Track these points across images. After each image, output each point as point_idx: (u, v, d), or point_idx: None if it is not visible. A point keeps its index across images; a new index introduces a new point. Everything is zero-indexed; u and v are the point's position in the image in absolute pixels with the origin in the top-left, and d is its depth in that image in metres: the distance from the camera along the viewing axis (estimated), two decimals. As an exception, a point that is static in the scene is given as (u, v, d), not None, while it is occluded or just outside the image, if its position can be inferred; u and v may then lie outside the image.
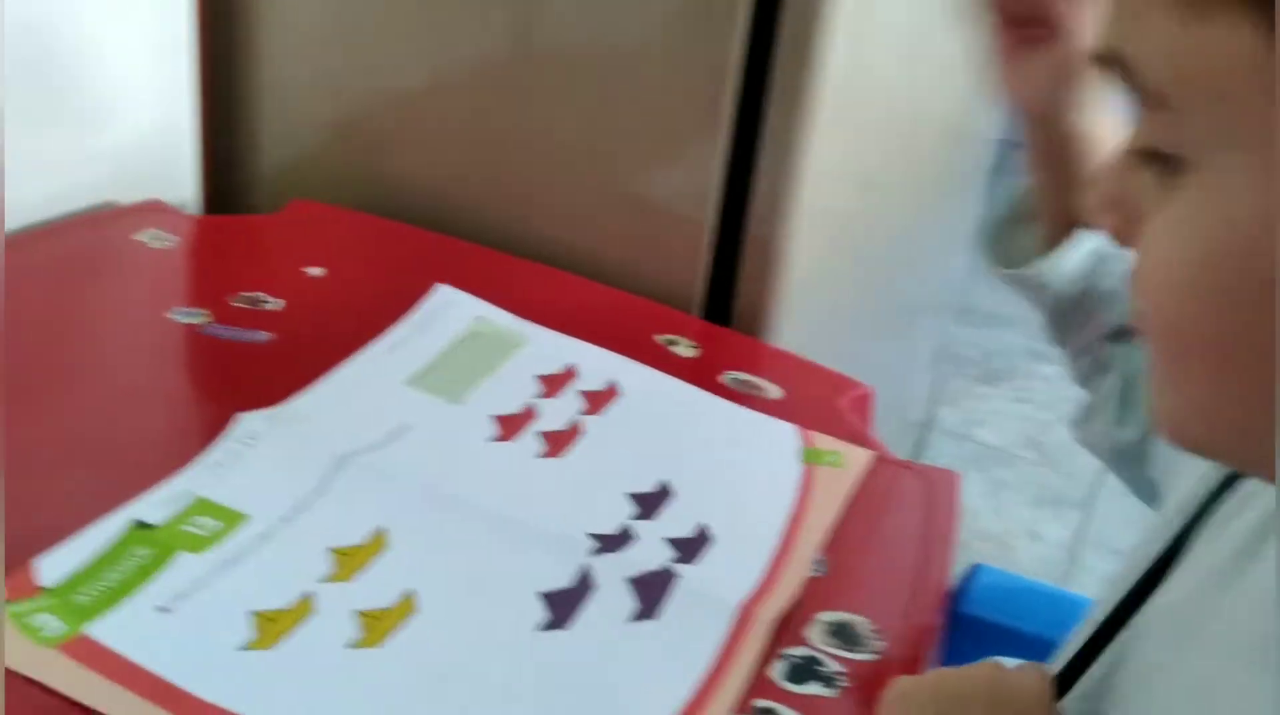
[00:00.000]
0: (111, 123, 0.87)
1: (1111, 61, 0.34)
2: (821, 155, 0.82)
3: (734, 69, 0.81)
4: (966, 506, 1.62)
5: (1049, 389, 1.92)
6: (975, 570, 0.74)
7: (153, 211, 0.86)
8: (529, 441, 0.68)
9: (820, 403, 0.77)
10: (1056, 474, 1.74)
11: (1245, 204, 0.31)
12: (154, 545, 0.55)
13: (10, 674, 0.47)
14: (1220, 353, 0.33)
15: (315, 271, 0.81)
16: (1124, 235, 0.36)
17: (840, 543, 0.64)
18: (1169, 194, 0.33)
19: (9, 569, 0.52)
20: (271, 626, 0.52)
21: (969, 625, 0.71)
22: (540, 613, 0.55)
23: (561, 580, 0.57)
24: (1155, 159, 0.34)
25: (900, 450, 1.48)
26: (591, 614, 0.56)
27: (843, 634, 0.57)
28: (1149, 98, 0.33)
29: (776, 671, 0.54)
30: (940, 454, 1.69)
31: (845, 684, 0.54)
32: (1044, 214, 0.63)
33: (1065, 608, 0.73)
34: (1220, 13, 0.30)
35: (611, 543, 0.60)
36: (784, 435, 0.72)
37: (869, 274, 1.08)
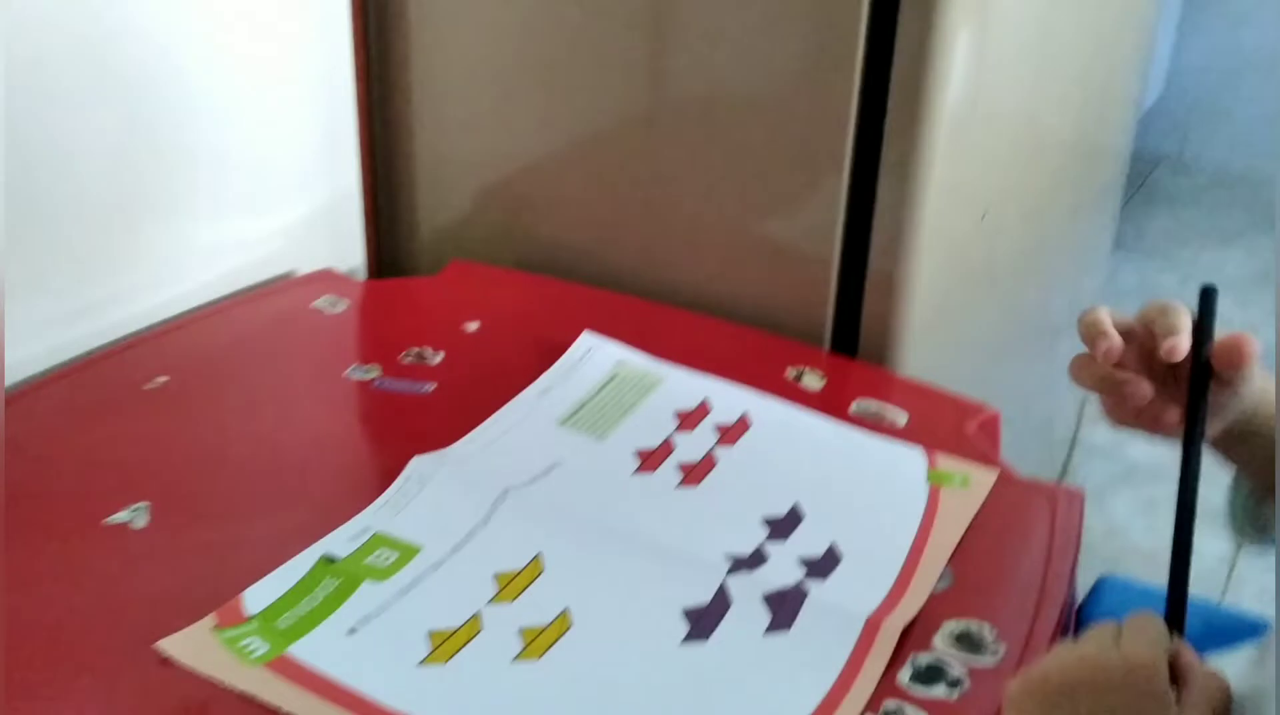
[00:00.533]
0: (288, 203, 0.97)
1: None
2: (939, 188, 0.87)
3: (851, 112, 0.86)
4: (1118, 524, 1.61)
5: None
6: (1100, 582, 0.77)
7: (326, 280, 0.95)
8: (669, 473, 0.74)
9: (946, 427, 0.81)
10: (1209, 489, 1.71)
11: None
12: (341, 576, 0.63)
13: (224, 689, 0.55)
14: None
15: (472, 326, 0.89)
16: None
17: (966, 557, 0.68)
18: None
19: (223, 601, 0.60)
20: (446, 644, 0.59)
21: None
22: (682, 627, 0.61)
23: (701, 598, 0.63)
24: None
25: (1048, 469, 1.50)
26: (729, 628, 0.61)
27: (967, 640, 0.61)
28: None
29: (904, 675, 0.59)
30: (1091, 472, 1.68)
31: (968, 686, 0.58)
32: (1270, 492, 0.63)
33: (1196, 612, 0.76)
34: None
35: (747, 563, 0.66)
36: (910, 459, 0.77)
37: (997, 298, 1.11)
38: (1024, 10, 0.97)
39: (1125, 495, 1.67)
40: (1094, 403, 1.80)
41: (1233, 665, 0.52)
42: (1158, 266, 2.43)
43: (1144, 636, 0.48)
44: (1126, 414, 0.60)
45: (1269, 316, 2.22)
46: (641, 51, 0.93)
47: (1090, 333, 0.58)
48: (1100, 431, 1.83)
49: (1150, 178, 2.86)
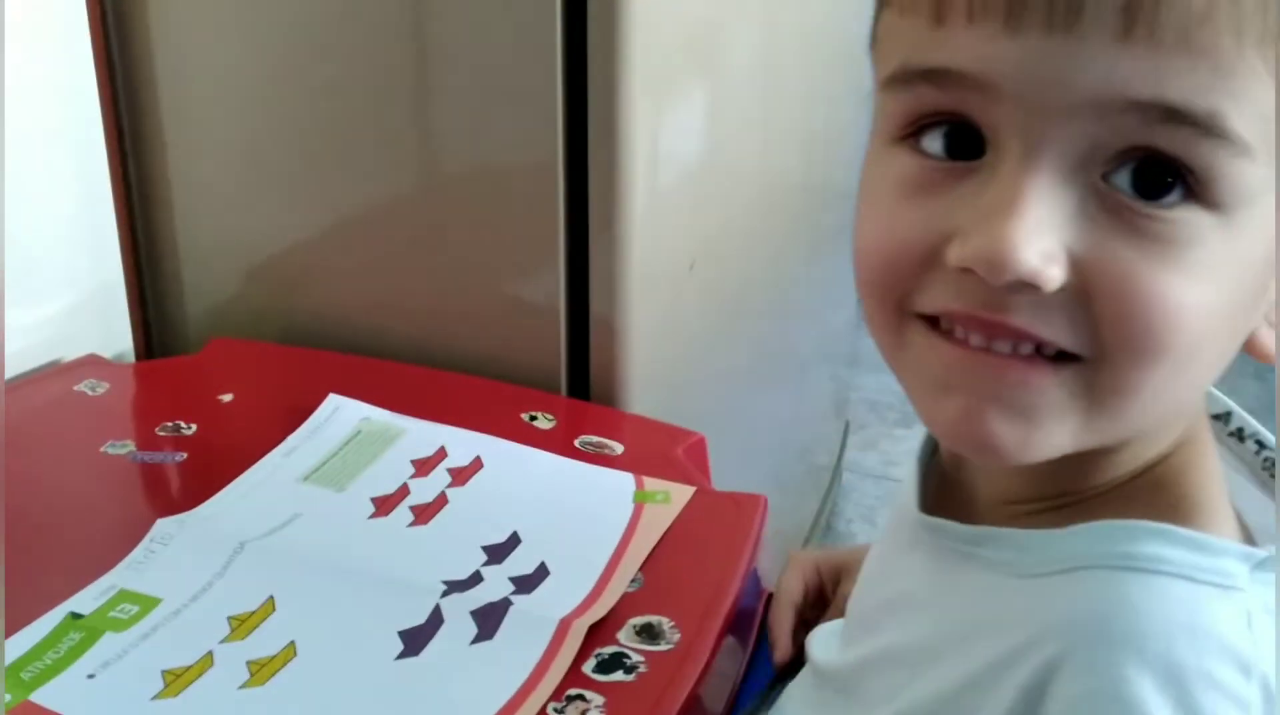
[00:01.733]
0: (52, 295, 1.02)
1: (1179, 114, 0.38)
2: (643, 252, 0.97)
3: (559, 186, 0.96)
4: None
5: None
6: (792, 575, 0.87)
7: (90, 365, 1.01)
8: (402, 515, 0.82)
9: (657, 453, 0.90)
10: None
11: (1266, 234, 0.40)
12: (85, 630, 0.69)
13: (-29, 738, 0.61)
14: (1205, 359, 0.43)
15: (226, 397, 0.96)
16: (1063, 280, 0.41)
17: (657, 562, 0.77)
18: (1158, 224, 0.39)
19: (-31, 661, 0.66)
20: (177, 680, 0.66)
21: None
22: (397, 645, 0.69)
23: (416, 619, 0.71)
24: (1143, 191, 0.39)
25: (814, 493, 1.61)
26: (439, 643, 0.69)
27: (647, 632, 0.71)
28: (1234, 146, 0.38)
29: (588, 667, 0.68)
30: (863, 494, 1.81)
31: (644, 670, 0.68)
32: None
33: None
34: (1243, 69, 0.37)
35: (461, 586, 0.74)
36: (621, 482, 0.86)
37: (731, 334, 1.22)
38: (735, 69, 1.09)
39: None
40: (856, 431, 1.93)
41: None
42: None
43: None
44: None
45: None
46: (383, 144, 1.02)
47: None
48: (872, 456, 1.97)
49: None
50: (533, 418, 0.95)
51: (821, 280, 1.51)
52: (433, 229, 1.03)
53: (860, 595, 0.62)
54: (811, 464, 1.54)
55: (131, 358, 1.10)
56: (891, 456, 1.95)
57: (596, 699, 0.65)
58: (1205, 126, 0.38)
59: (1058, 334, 0.41)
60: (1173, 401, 0.45)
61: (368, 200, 1.05)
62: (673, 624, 0.71)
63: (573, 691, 0.66)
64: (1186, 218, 0.39)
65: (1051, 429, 0.43)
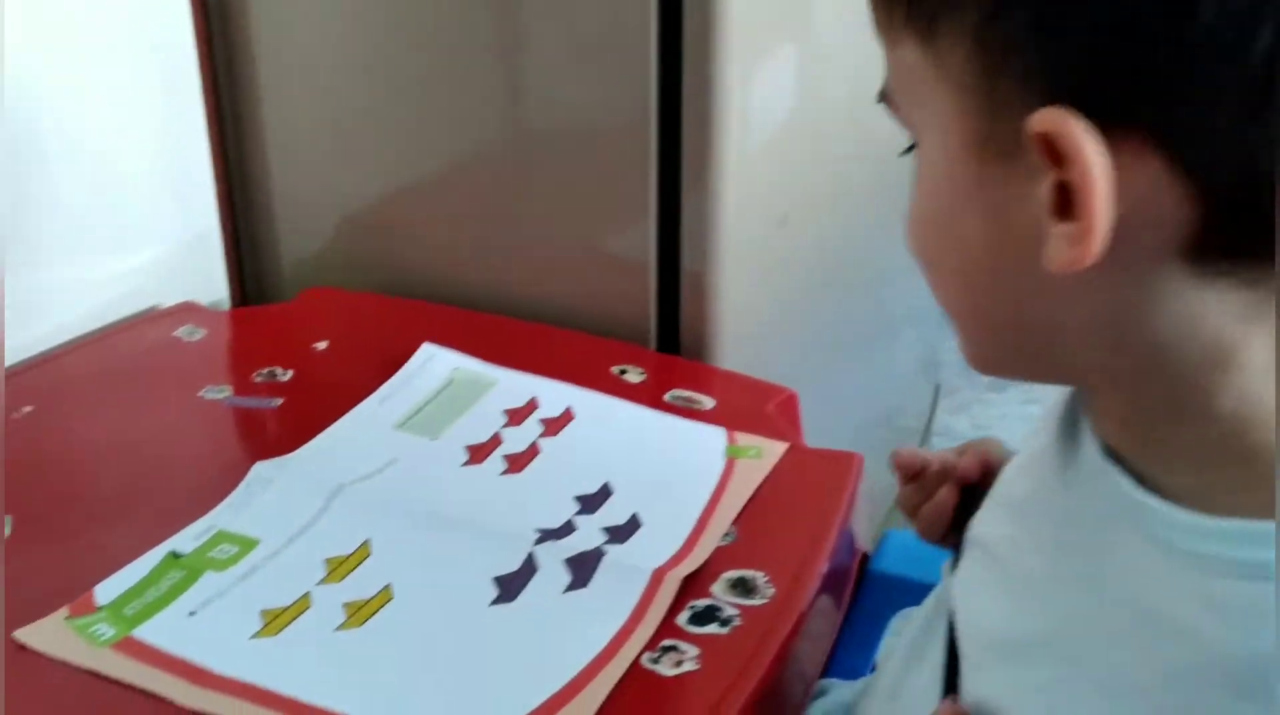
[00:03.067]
0: (147, 242, 1.04)
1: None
2: (737, 200, 0.96)
3: (652, 139, 0.95)
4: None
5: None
6: (886, 535, 0.86)
7: (186, 311, 1.02)
8: (494, 463, 0.82)
9: (749, 408, 0.90)
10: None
11: (937, 164, 0.44)
12: (186, 569, 0.70)
13: (75, 669, 0.62)
14: (957, 277, 0.46)
15: (321, 346, 0.97)
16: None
17: (750, 517, 0.77)
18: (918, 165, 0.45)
19: (78, 594, 0.67)
20: (276, 620, 0.66)
21: (881, 582, 0.83)
22: (492, 591, 0.69)
23: (510, 566, 0.71)
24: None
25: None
26: (533, 589, 0.69)
27: (741, 585, 0.70)
28: (888, 102, 0.46)
29: (682, 618, 0.67)
30: (951, 457, 1.79)
31: (739, 623, 0.67)
32: None
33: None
34: (902, 40, 0.43)
35: (555, 534, 0.74)
36: (712, 437, 0.86)
37: (822, 293, 1.20)
38: (828, 26, 1.07)
39: (985, 477, 1.77)
40: (948, 394, 1.91)
41: None
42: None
43: None
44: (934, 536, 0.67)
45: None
46: (474, 98, 1.01)
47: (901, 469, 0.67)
48: (962, 421, 1.94)
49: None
50: (622, 371, 0.95)
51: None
52: (524, 181, 1.03)
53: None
54: (900, 427, 1.52)
55: (227, 305, 1.11)
56: (982, 421, 1.92)
57: (691, 650, 0.65)
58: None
59: None
60: (975, 320, 0.47)
61: (460, 152, 1.05)
62: (767, 578, 0.71)
63: (667, 642, 0.65)
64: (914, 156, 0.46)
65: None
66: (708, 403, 0.91)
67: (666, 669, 0.64)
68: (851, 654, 0.81)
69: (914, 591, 0.82)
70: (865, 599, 0.81)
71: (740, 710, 0.61)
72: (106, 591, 0.68)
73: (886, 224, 1.38)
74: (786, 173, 1.06)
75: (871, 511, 0.87)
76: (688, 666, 0.64)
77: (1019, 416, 1.94)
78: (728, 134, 0.93)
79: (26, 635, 0.64)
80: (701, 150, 0.93)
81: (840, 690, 0.74)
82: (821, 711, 0.73)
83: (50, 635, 0.64)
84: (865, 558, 0.83)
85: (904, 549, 0.85)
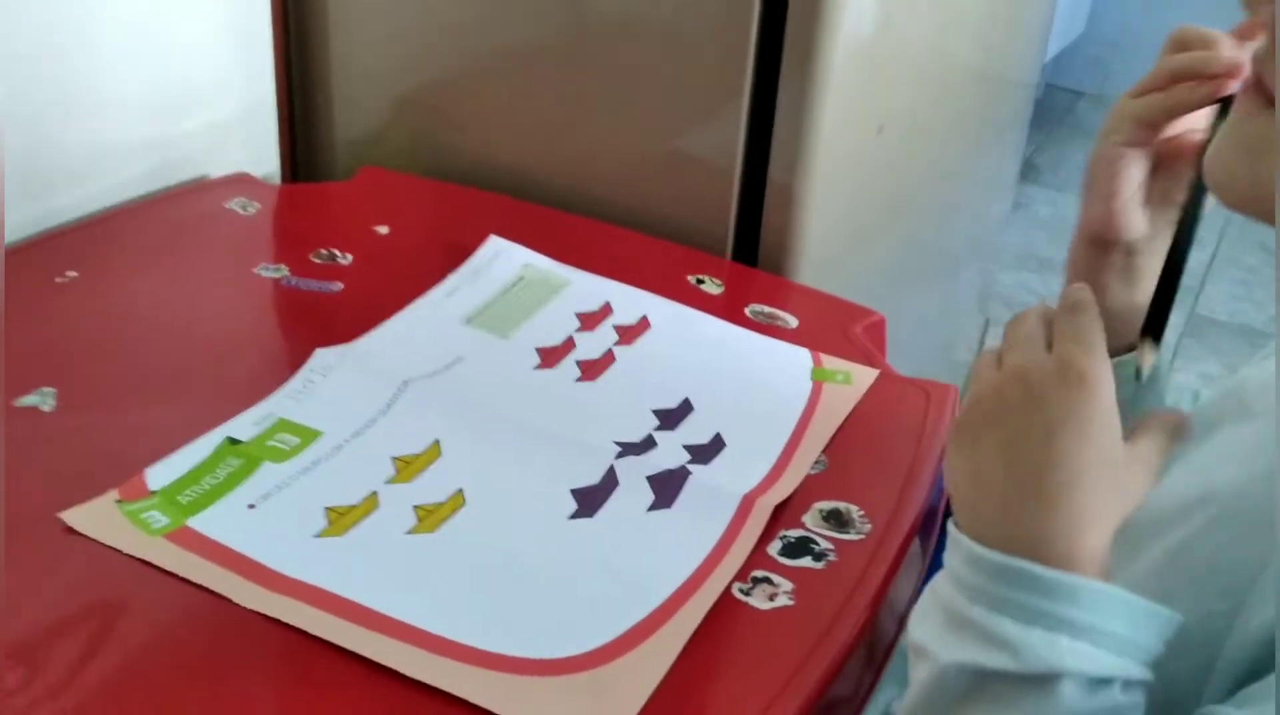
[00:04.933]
0: (200, 107, 0.98)
1: None
2: (835, 105, 0.90)
3: (752, 35, 0.88)
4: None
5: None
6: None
7: (240, 183, 0.96)
8: (568, 368, 0.77)
9: (834, 330, 0.84)
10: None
11: None
12: (243, 457, 0.65)
13: (126, 557, 0.58)
14: None
15: (382, 229, 0.91)
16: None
17: (842, 445, 0.72)
18: None
19: (128, 477, 0.62)
20: (342, 519, 0.62)
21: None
22: (571, 504, 0.65)
23: (590, 479, 0.66)
24: None
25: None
26: (614, 505, 0.65)
27: (835, 518, 0.66)
28: None
29: (774, 549, 0.63)
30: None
31: (833, 558, 0.63)
32: None
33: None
34: None
35: (635, 449, 0.69)
36: (797, 358, 0.81)
37: (899, 217, 1.15)
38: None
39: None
40: (999, 326, 1.85)
41: None
42: (1071, 198, 2.49)
43: (1073, 336, 0.48)
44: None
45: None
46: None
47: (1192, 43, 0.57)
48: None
49: (1072, 112, 2.91)
50: (699, 281, 0.89)
51: (984, 172, 1.43)
52: (602, 69, 0.96)
53: None
54: (951, 360, 1.47)
55: (277, 180, 1.05)
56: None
57: (784, 584, 0.61)
58: None
59: (1270, 79, 0.44)
60: None
61: (532, 34, 0.98)
62: (862, 513, 0.66)
63: (759, 573, 0.61)
64: None
65: (1230, 158, 0.47)
66: (791, 321, 0.85)
67: (760, 602, 0.59)
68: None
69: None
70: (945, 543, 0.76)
71: (839, 652, 0.57)
72: (159, 476, 0.63)
73: (960, 151, 1.33)
74: (884, 83, 1.00)
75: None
76: (782, 601, 0.60)
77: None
78: (835, 31, 0.87)
79: (74, 517, 0.60)
80: (805, 47, 0.87)
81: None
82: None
83: (99, 519, 0.60)
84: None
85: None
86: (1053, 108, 2.87)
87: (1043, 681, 0.43)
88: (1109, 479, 0.46)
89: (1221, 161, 0.47)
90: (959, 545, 0.47)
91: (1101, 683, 0.43)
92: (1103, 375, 0.46)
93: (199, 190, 0.95)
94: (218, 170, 0.98)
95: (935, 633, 0.47)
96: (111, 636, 0.54)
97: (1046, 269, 2.20)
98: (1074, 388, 0.46)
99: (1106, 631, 0.44)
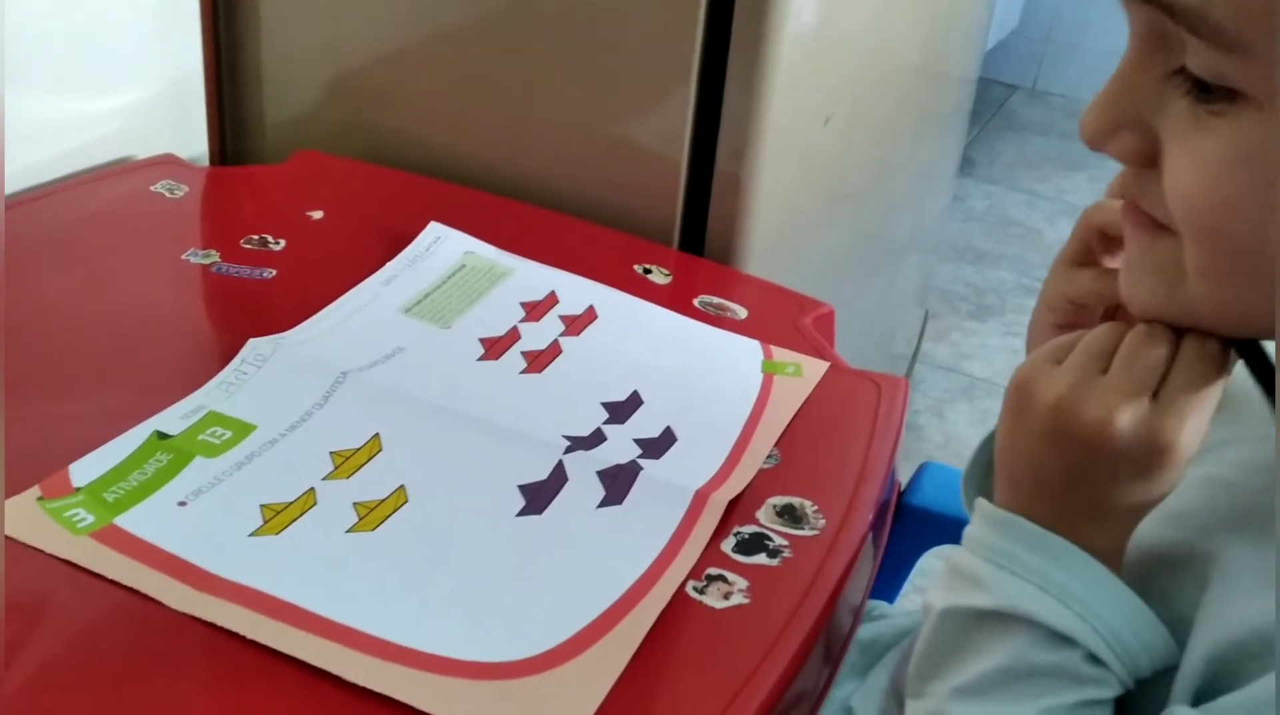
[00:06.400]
0: (125, 83, 0.94)
1: (1174, 8, 0.39)
2: (784, 96, 0.88)
3: (700, 20, 0.86)
4: (956, 433, 1.68)
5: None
6: (924, 467, 0.81)
7: (167, 164, 0.92)
8: (512, 359, 0.75)
9: (783, 321, 0.83)
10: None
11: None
12: (173, 451, 0.62)
13: (50, 558, 0.55)
14: (1247, 249, 0.40)
15: (316, 214, 0.88)
16: (1138, 154, 0.43)
17: (794, 439, 0.70)
18: (1212, 119, 0.39)
19: (50, 472, 0.59)
20: (278, 516, 0.59)
21: (917, 517, 0.78)
22: (518, 501, 0.62)
23: (538, 474, 0.64)
24: (1202, 90, 0.40)
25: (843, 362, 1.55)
26: (564, 502, 0.63)
27: (789, 514, 0.64)
28: (1224, 42, 0.38)
29: (728, 545, 0.61)
30: (931, 386, 1.75)
31: (788, 555, 0.61)
32: None
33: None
34: None
35: (584, 443, 0.67)
36: (747, 350, 0.79)
37: (843, 210, 1.14)
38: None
39: (964, 408, 1.74)
40: (936, 320, 1.86)
41: None
42: (1006, 191, 2.51)
43: (1173, 403, 0.45)
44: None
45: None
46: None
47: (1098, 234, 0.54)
48: (941, 348, 1.90)
49: (1004, 106, 2.94)
50: (646, 271, 0.87)
51: (924, 164, 1.42)
52: (545, 53, 0.94)
53: None
54: (890, 353, 1.47)
55: (205, 162, 1.02)
56: (964, 349, 1.88)
57: (739, 581, 0.59)
58: (1186, 19, 0.38)
59: (1151, 206, 0.44)
60: (1236, 296, 0.42)
61: (470, 13, 0.95)
62: (816, 508, 0.65)
63: (713, 571, 0.59)
64: (1222, 113, 0.39)
65: (1148, 285, 0.46)
66: (740, 312, 0.84)
67: (714, 600, 0.58)
68: (878, 589, 0.76)
69: (951, 528, 0.78)
70: (898, 534, 0.75)
71: (797, 649, 0.56)
72: (83, 471, 0.60)
73: (900, 143, 1.32)
74: (831, 73, 0.98)
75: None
76: (737, 599, 0.58)
77: (1000, 347, 1.91)
78: (783, 17, 0.85)
79: (-8, 515, 0.56)
80: (754, 34, 0.85)
81: (897, 618, 0.69)
82: (873, 635, 0.68)
83: (20, 518, 0.57)
84: (901, 493, 0.78)
85: (942, 484, 0.79)
86: (987, 101, 2.89)
87: (1007, 621, 0.47)
88: (1156, 501, 0.47)
89: (1144, 287, 0.46)
90: (980, 510, 0.50)
91: (1062, 640, 0.46)
92: (1186, 448, 0.46)
93: (122, 173, 0.91)
94: (142, 152, 0.94)
95: (938, 590, 0.50)
96: (33, 641, 0.51)
97: (982, 261, 2.22)
98: (1146, 464, 0.46)
99: (1075, 595, 0.46)
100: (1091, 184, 2.54)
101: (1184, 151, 0.41)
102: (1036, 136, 2.78)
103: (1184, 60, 0.40)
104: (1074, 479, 0.47)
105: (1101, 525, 0.47)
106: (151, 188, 0.89)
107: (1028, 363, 0.49)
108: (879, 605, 0.74)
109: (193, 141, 1.01)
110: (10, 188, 0.84)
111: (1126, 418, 0.45)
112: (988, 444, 0.57)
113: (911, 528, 0.77)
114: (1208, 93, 0.40)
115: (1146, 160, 0.43)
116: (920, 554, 0.79)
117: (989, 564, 0.48)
